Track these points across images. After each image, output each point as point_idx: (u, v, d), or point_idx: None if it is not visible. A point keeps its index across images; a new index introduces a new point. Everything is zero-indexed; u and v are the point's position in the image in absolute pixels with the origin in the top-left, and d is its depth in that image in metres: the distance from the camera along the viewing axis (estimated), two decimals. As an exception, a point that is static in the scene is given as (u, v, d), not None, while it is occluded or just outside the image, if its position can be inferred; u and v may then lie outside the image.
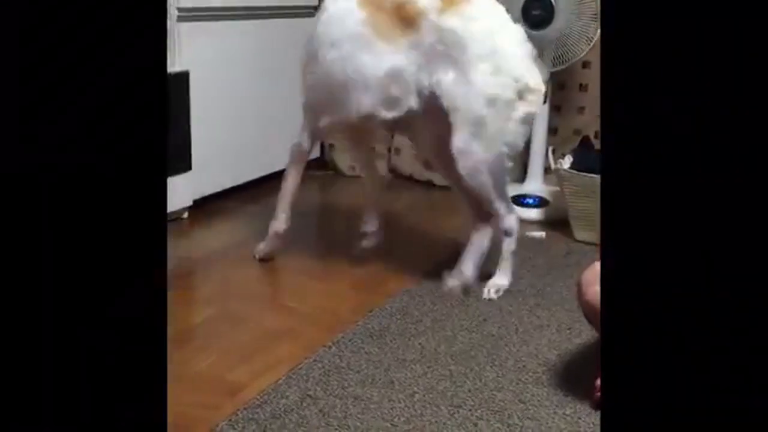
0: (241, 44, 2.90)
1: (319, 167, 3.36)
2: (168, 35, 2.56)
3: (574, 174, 2.63)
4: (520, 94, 2.07)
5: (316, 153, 3.24)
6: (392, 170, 3.38)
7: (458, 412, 1.59)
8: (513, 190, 2.98)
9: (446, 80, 2.04)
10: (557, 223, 2.79)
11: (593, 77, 3.08)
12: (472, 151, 2.05)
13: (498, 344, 1.89)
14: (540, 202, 2.93)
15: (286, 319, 2.01)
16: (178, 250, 2.47)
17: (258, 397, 1.61)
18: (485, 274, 2.21)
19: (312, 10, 3.33)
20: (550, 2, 2.76)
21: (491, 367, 1.78)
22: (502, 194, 2.15)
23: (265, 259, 2.34)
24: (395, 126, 2.30)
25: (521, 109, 2.08)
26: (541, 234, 2.73)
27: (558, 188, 2.77)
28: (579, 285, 1.64)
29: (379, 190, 2.52)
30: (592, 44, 2.76)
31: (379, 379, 1.70)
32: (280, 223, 2.32)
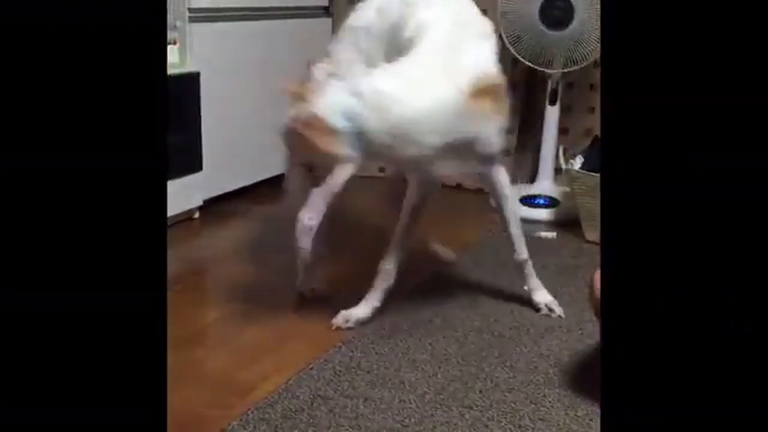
0: (252, 45, 2.90)
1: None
2: (179, 36, 2.57)
3: (585, 174, 2.62)
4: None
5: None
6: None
7: (469, 413, 1.58)
8: (524, 190, 2.99)
9: None
10: (568, 223, 2.78)
11: (604, 77, 3.06)
12: None
13: (509, 345, 1.88)
14: (551, 203, 2.92)
15: (296, 319, 2.01)
16: (189, 250, 2.48)
17: (269, 397, 1.61)
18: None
19: (321, 11, 3.35)
20: (571, 2, 2.74)
21: (502, 368, 1.77)
22: None
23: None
24: None
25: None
26: (551, 234, 2.72)
27: (569, 188, 2.77)
28: (590, 285, 1.63)
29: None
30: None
31: (390, 380, 1.70)
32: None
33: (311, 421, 1.53)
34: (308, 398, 1.61)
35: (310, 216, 1.90)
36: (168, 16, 2.49)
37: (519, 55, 2.84)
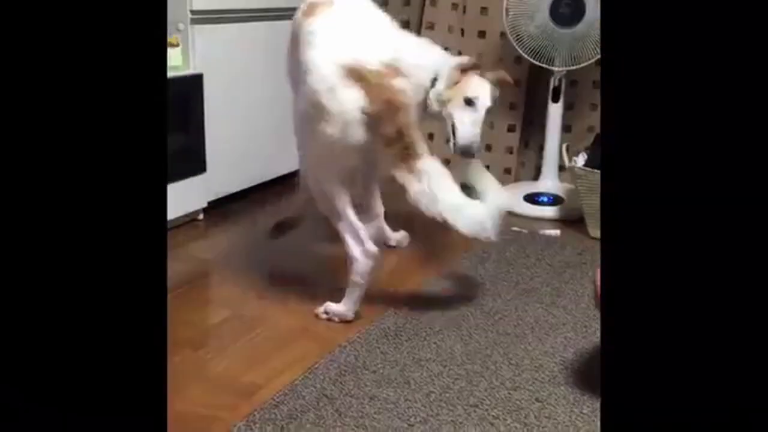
0: (255, 46, 2.90)
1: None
2: (182, 38, 2.57)
3: (589, 171, 2.62)
4: None
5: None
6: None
7: (475, 411, 1.59)
8: (527, 188, 2.98)
9: None
10: (572, 220, 2.78)
11: (607, 74, 3.06)
12: None
13: (514, 343, 1.88)
14: (554, 200, 2.92)
15: (301, 319, 2.02)
16: (193, 251, 2.48)
17: (275, 397, 1.62)
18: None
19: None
20: (582, 1, 2.74)
21: (507, 366, 1.77)
22: None
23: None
24: None
25: None
26: (555, 232, 2.72)
27: (572, 186, 2.77)
28: (594, 283, 1.63)
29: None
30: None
31: (395, 379, 1.70)
32: None
33: (317, 421, 1.54)
34: (314, 398, 1.62)
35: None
36: (169, 18, 2.50)
37: (523, 52, 2.84)
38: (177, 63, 2.55)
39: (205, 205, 2.75)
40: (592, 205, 2.63)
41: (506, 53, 3.10)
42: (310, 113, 1.87)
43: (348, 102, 1.82)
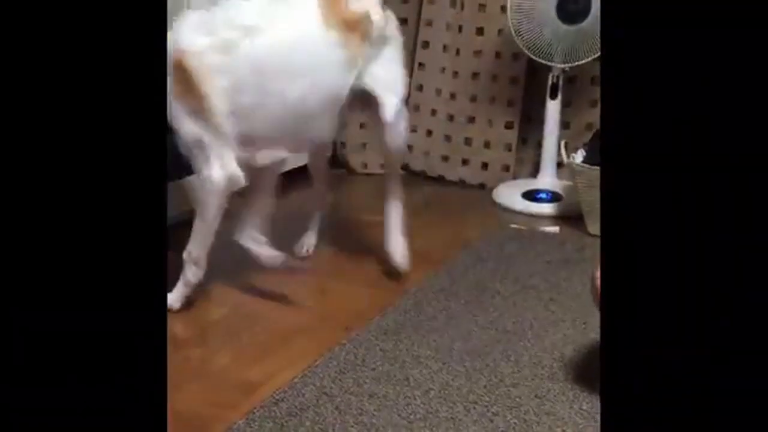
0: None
1: (331, 165, 3.35)
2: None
3: (587, 168, 2.62)
4: None
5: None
6: (404, 167, 3.37)
7: (474, 408, 1.59)
8: (526, 185, 2.99)
9: None
10: (571, 217, 2.78)
11: (605, 71, 3.05)
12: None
13: (513, 340, 1.89)
14: (553, 197, 2.92)
15: (300, 317, 2.02)
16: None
17: (274, 395, 1.62)
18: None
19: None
20: None
21: (506, 363, 1.78)
22: None
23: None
24: None
25: None
26: (554, 229, 2.73)
27: (571, 183, 2.77)
28: (593, 279, 1.63)
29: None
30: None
31: (395, 376, 1.70)
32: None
33: (317, 418, 1.54)
34: (313, 396, 1.62)
35: None
36: (170, 17, 2.49)
37: (524, 49, 2.84)
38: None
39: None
40: (591, 201, 2.63)
41: (504, 50, 3.10)
42: None
43: None
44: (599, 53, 2.79)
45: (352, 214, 3.00)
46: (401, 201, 2.22)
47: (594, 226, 2.66)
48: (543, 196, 2.92)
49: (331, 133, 2.11)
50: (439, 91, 3.22)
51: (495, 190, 3.05)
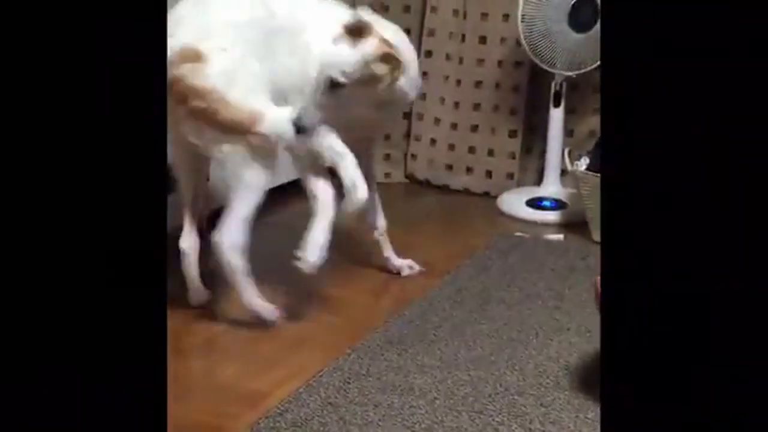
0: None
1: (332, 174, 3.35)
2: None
3: (591, 175, 2.62)
4: None
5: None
6: (409, 176, 3.38)
7: (479, 417, 1.59)
8: (530, 193, 2.98)
9: None
10: (575, 225, 2.78)
11: (608, 78, 3.06)
12: None
13: (518, 348, 1.88)
14: (557, 205, 2.91)
15: (305, 327, 2.02)
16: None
17: (279, 405, 1.62)
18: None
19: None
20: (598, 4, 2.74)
21: (511, 371, 1.77)
22: None
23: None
24: None
25: None
26: (559, 237, 2.72)
27: (575, 190, 2.76)
28: (595, 286, 1.63)
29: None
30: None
31: (399, 386, 1.70)
32: None
33: (321, 428, 1.54)
34: (318, 406, 1.61)
35: None
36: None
37: (531, 55, 2.84)
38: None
39: (208, 212, 2.75)
40: (595, 209, 2.63)
41: (507, 58, 3.10)
42: None
43: None
44: (592, 65, 2.80)
45: (356, 223, 2.99)
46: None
47: (598, 234, 2.65)
48: (547, 203, 2.92)
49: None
50: (442, 100, 3.23)
51: (499, 198, 3.05)
